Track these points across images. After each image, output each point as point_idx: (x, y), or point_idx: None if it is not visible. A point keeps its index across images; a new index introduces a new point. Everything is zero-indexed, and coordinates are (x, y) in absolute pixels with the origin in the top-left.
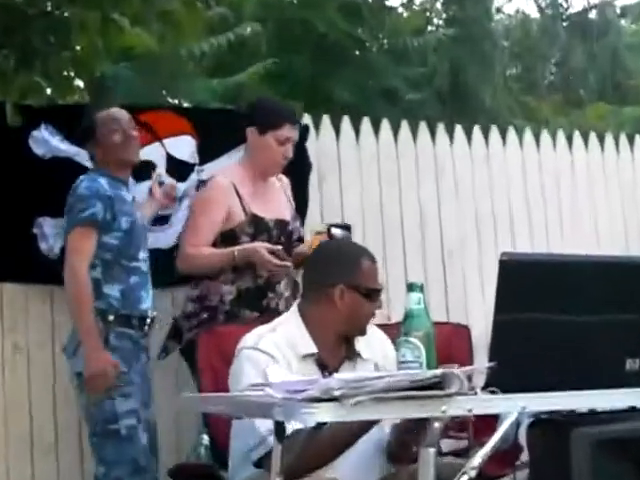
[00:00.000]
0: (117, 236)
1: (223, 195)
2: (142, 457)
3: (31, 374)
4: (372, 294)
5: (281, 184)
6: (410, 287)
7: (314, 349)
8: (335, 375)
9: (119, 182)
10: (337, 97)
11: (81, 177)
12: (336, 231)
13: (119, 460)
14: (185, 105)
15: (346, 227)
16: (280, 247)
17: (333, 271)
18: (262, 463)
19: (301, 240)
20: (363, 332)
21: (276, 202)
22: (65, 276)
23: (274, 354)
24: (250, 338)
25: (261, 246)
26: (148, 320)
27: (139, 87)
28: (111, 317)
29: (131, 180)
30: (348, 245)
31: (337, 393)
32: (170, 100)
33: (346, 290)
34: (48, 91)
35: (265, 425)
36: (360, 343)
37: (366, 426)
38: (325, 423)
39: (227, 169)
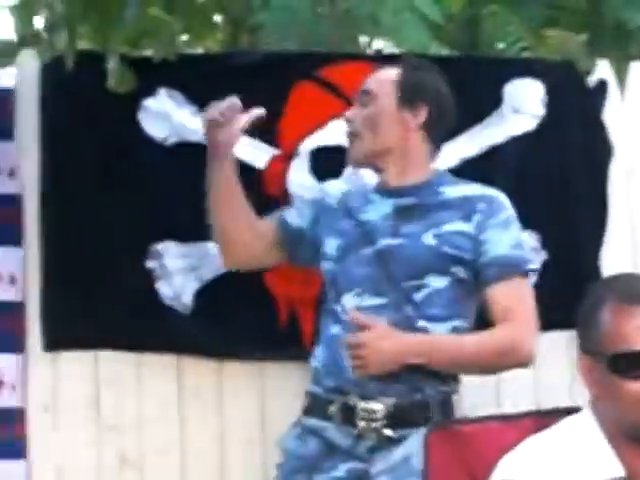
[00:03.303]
0: (326, 262)
1: None
2: None
3: None
4: (630, 364)
5: None
6: None
7: (620, 471)
8: None
9: (379, 192)
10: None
11: None
12: None
13: None
14: (391, 52)
15: None
16: None
17: (579, 334)
18: None
19: None
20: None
21: None
22: None
23: None
24: (510, 462)
25: None
26: (361, 409)
27: (309, 22)
28: (307, 401)
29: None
30: (600, 282)
31: None
32: (363, 44)
33: (592, 362)
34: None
35: None
36: None
37: None
38: None
39: None
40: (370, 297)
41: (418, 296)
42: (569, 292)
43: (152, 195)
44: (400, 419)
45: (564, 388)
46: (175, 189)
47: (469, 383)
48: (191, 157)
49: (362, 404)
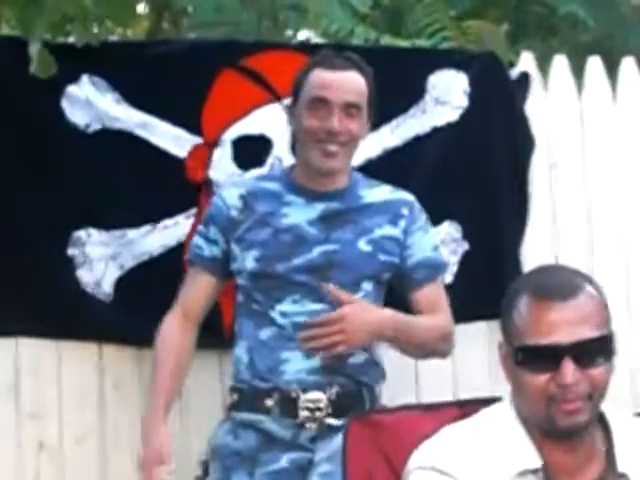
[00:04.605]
0: (243, 276)
1: None
2: None
3: None
4: (529, 357)
5: None
6: None
7: (537, 462)
8: None
9: (299, 194)
10: (557, 18)
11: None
12: None
13: None
14: (316, 41)
15: None
16: None
17: (501, 323)
18: None
19: None
20: (555, 429)
21: None
22: None
23: (461, 476)
24: (429, 449)
25: None
26: (304, 400)
27: (234, 10)
28: (235, 397)
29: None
30: (522, 274)
31: None
32: (288, 33)
33: (507, 352)
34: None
35: None
36: (625, 452)
37: None
38: None
39: None
40: (310, 303)
41: (356, 298)
42: (490, 283)
43: (74, 182)
44: (341, 408)
45: (484, 379)
46: (97, 176)
47: (389, 374)
48: (113, 144)
49: (304, 396)
